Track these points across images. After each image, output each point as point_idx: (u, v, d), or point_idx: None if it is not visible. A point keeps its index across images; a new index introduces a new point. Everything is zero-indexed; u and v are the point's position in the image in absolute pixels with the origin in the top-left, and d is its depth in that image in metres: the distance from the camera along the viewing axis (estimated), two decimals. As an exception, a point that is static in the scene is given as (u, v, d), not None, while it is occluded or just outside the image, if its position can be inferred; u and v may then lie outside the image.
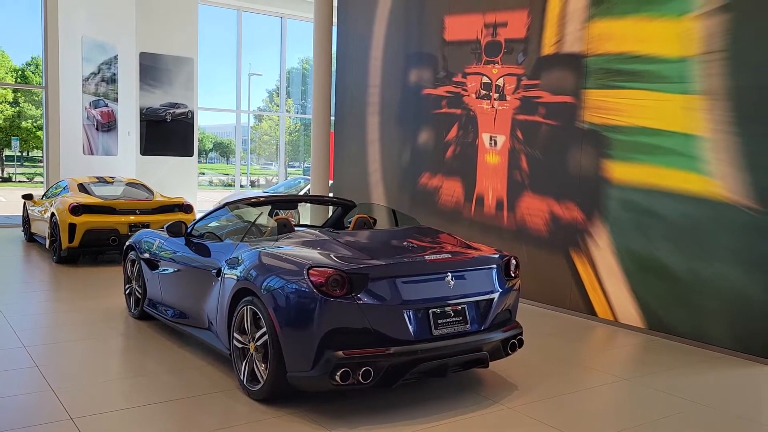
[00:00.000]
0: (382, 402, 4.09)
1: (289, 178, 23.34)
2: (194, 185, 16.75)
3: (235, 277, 4.28)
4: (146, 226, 9.02)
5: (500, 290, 4.27)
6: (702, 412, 4.17)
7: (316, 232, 4.59)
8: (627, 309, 6.27)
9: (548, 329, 6.22)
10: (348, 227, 5.97)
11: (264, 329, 3.95)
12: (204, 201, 17.74)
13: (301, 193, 13.91)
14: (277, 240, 4.45)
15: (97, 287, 7.62)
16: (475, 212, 7.90)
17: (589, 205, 6.58)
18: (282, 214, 8.93)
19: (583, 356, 5.57)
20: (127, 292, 6.26)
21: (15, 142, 34.51)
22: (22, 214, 11.57)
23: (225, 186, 33.19)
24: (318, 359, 3.70)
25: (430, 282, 3.97)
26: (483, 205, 7.81)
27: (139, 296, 5.95)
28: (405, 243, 4.41)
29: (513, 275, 4.46)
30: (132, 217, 9.14)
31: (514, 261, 4.49)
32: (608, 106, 6.40)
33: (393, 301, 3.80)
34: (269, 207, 5.60)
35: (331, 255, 4.02)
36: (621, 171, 6.29)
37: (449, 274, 4.04)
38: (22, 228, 11.69)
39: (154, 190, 10.34)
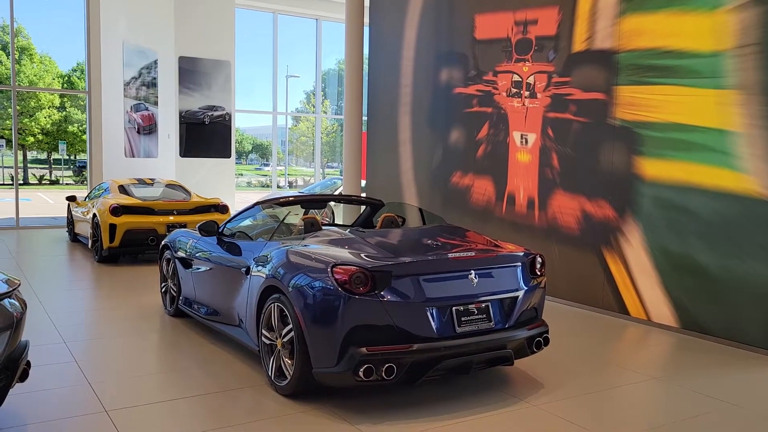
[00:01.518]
0: (407, 398, 4.13)
1: (325, 178, 23.54)
2: (232, 186, 17.04)
3: (264, 275, 4.37)
4: (183, 226, 9.23)
5: (525, 288, 4.27)
6: (733, 412, 4.10)
7: (343, 230, 4.66)
8: (660, 308, 6.18)
9: (579, 328, 6.17)
10: (376, 226, 6.03)
11: (290, 326, 4.03)
12: (242, 202, 18.05)
13: (336, 192, 14.02)
14: (304, 239, 4.52)
15: (136, 286, 7.85)
16: (507, 211, 7.87)
17: (621, 202, 6.50)
18: (316, 213, 9.05)
19: (614, 355, 5.51)
20: (163, 290, 6.44)
21: (62, 146, 35.69)
22: (66, 215, 11.96)
23: (263, 187, 33.68)
24: (342, 355, 3.76)
25: (453, 280, 4.00)
26: (514, 204, 7.78)
27: (174, 294, 6.12)
28: (430, 241, 4.44)
29: (538, 273, 4.45)
30: (170, 218, 9.37)
31: (539, 259, 4.47)
32: (640, 103, 6.32)
33: (416, 299, 3.84)
34: (299, 206, 5.69)
35: (356, 253, 4.07)
36: (653, 168, 6.20)
37: (473, 271, 4.05)
38: (66, 229, 12.08)
39: (192, 191, 10.57)
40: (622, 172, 6.48)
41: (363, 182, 10.29)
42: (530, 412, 4.00)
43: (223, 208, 9.87)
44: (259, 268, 4.48)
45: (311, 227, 4.78)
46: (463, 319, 3.97)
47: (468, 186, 8.47)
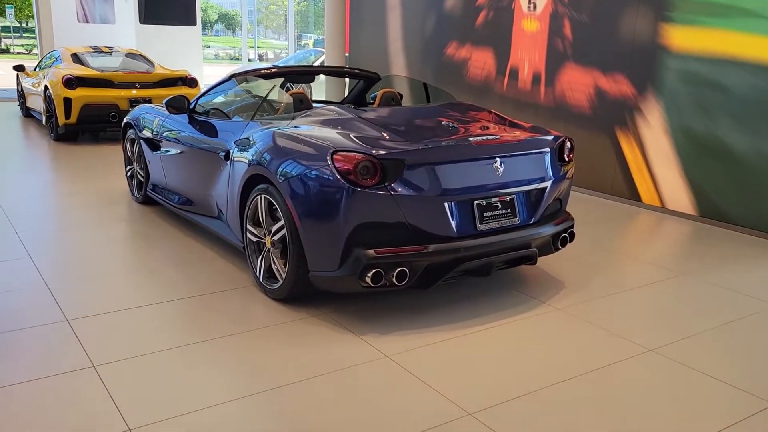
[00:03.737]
0: (415, 302, 3.63)
1: (299, 50, 22.20)
2: (199, 58, 15.82)
3: (246, 161, 3.70)
4: (147, 101, 8.36)
5: (553, 178, 3.68)
6: (776, 315, 3.69)
7: (338, 109, 3.93)
8: (677, 194, 5.69)
9: (591, 217, 5.68)
10: (371, 104, 5.32)
11: (282, 222, 3.42)
12: (210, 76, 16.79)
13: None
14: (293, 118, 3.81)
15: (98, 167, 7.10)
16: (508, 87, 7.14)
17: (642, 77, 5.83)
18: (296, 88, 8.20)
19: (633, 248, 5.04)
20: (129, 174, 5.73)
21: (9, 11, 32.85)
22: (16, 87, 10.87)
23: (231, 60, 31.77)
24: (345, 258, 3.19)
25: (475, 169, 3.37)
26: (517, 79, 7.04)
27: (142, 179, 5.42)
28: (444, 122, 3.76)
29: (567, 160, 3.85)
30: (132, 92, 8.45)
31: (568, 144, 3.86)
32: (673, -40, 5.49)
33: (432, 192, 3.22)
34: (282, 80, 4.91)
35: (358, 137, 3.40)
36: (683, 37, 5.48)
37: (498, 159, 3.43)
38: (18, 102, 11.02)
39: (155, 63, 9.54)
40: (646, 43, 5.75)
41: (346, 54, 9.36)
42: (556, 317, 3.54)
43: (191, 82, 8.94)
44: (241, 152, 3.79)
45: (300, 105, 4.05)
46: (485, 214, 3.39)
47: (465, 58, 7.65)
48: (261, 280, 3.69)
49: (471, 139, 3.45)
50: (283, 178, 3.35)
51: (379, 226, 3.20)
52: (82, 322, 3.30)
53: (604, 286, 4.02)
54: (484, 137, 3.50)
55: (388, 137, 3.40)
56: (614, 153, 6.14)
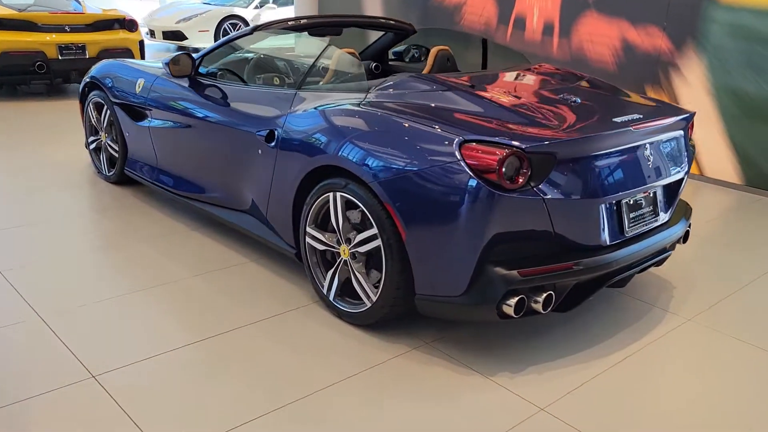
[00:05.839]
0: (524, 328, 2.93)
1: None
2: (110, -8, 13.90)
3: (308, 148, 2.82)
4: (81, 47, 7.02)
5: (687, 166, 3.05)
6: None
7: (425, 77, 3.03)
8: (719, 161, 5.26)
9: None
10: (395, 60, 4.48)
11: (373, 231, 2.60)
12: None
13: (253, 5, 11.69)
14: (368, 90, 2.93)
15: (31, 131, 5.83)
16: (513, 37, 6.41)
17: (681, 30, 5.26)
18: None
19: (707, 229, 4.41)
20: (94, 147, 4.61)
21: None
22: None
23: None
24: (475, 280, 2.43)
25: (626, 160, 2.67)
26: (524, 29, 6.31)
27: (115, 154, 4.34)
28: (561, 96, 2.99)
29: (690, 138, 3.23)
30: (61, 36, 7.03)
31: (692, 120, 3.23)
32: None
33: (587, 192, 2.50)
34: (305, 35, 3.93)
35: (485, 119, 2.59)
36: (737, -13, 4.94)
37: (647, 145, 2.74)
38: None
39: (82, 1, 8.04)
40: (689, -8, 5.17)
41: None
42: (693, 332, 2.96)
43: (130, 24, 7.60)
44: (297, 134, 2.89)
45: (366, 70, 3.16)
46: (631, 215, 2.72)
47: (458, 3, 6.82)
48: (330, 297, 2.88)
49: (617, 120, 2.71)
50: (378, 174, 2.52)
51: (519, 239, 2.46)
52: (109, 380, 2.39)
53: (712, 283, 3.48)
54: (633, 118, 2.76)
55: (520, 120, 2.60)
56: (645, 114, 5.61)
